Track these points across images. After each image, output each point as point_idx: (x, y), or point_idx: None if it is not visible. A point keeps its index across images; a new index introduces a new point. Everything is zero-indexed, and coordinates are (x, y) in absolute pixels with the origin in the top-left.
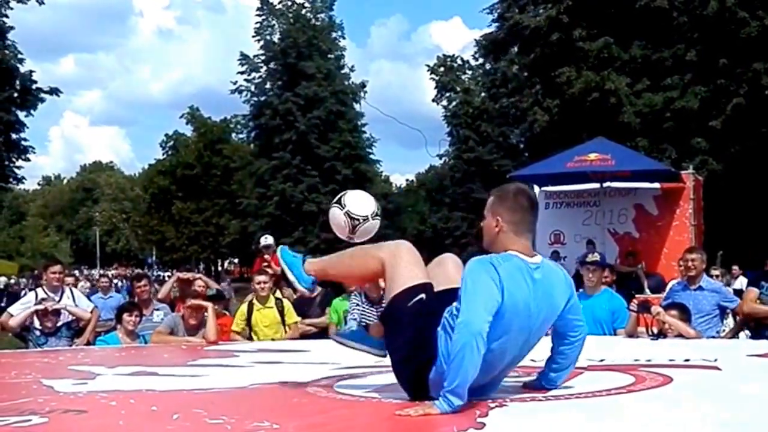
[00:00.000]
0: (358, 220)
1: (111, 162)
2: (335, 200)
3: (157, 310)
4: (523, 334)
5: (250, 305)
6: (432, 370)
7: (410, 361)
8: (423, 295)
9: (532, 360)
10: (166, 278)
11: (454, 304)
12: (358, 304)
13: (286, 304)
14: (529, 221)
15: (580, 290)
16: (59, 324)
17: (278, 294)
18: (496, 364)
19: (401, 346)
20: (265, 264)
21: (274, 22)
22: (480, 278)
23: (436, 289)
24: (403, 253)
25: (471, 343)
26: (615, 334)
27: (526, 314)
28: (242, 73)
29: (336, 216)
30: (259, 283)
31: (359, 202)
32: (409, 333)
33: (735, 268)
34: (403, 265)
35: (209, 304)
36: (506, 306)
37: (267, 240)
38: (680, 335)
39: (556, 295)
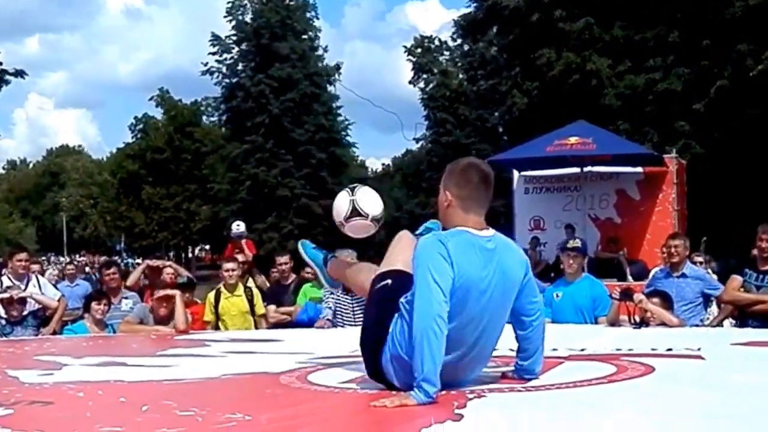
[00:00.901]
0: (357, 212)
1: (79, 146)
2: (350, 186)
3: (126, 298)
4: (481, 310)
5: (218, 293)
6: (383, 352)
7: (368, 342)
8: (389, 281)
9: (510, 350)
10: (136, 265)
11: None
12: (332, 293)
13: (256, 293)
14: (479, 196)
15: (562, 277)
16: (25, 313)
17: (250, 283)
18: (459, 346)
19: (365, 327)
20: (237, 251)
21: (246, 1)
22: (430, 257)
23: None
24: (395, 244)
25: (431, 326)
26: (596, 323)
27: (479, 289)
28: (213, 53)
29: (341, 200)
30: (227, 270)
31: (368, 199)
32: (372, 315)
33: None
34: (386, 257)
35: (176, 292)
36: (457, 283)
37: (239, 228)
38: (663, 323)
39: (511, 267)
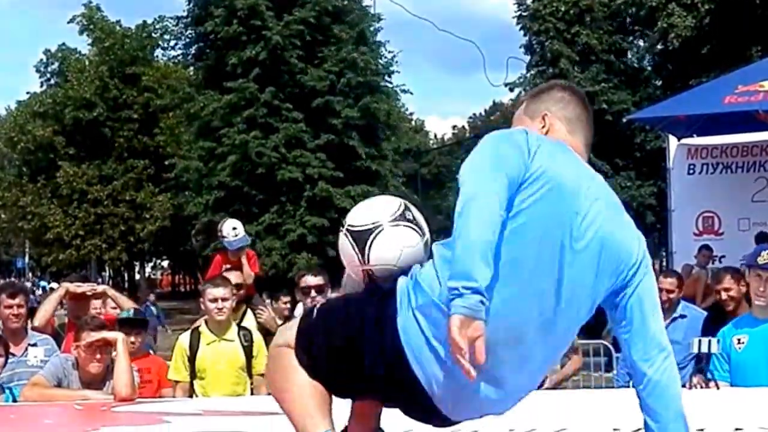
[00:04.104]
0: (362, 233)
1: None
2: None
3: (34, 345)
4: (564, 253)
5: (196, 336)
6: (395, 325)
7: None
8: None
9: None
10: (49, 292)
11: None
12: None
13: (257, 339)
14: (585, 122)
15: (747, 313)
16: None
17: (248, 320)
18: (510, 309)
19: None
20: (227, 267)
21: None
22: (500, 137)
23: None
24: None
25: (484, 198)
26: None
27: (570, 215)
28: None
29: (341, 242)
30: (215, 299)
31: (360, 209)
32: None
33: None
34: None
35: (118, 335)
36: (537, 182)
37: (237, 233)
38: None
39: (620, 228)
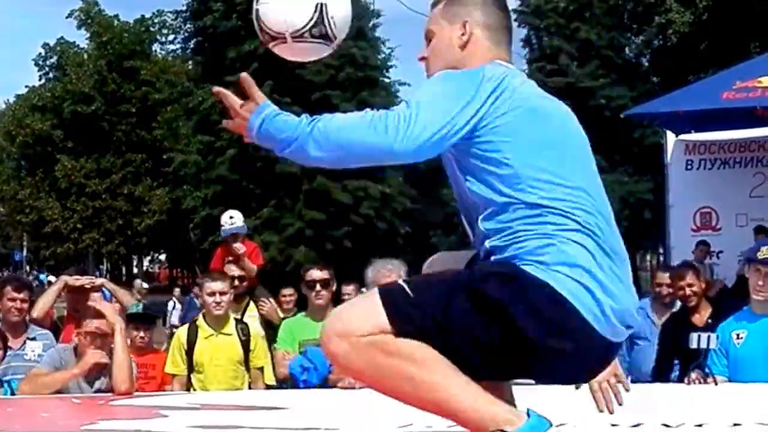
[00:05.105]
0: (322, 31)
1: None
2: None
3: (32, 339)
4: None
5: (194, 330)
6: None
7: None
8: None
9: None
10: (47, 285)
11: None
12: None
13: (255, 332)
14: (508, 30)
15: (746, 307)
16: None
17: (250, 313)
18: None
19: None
20: (229, 259)
21: None
22: (453, 83)
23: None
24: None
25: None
26: None
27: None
28: None
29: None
30: (213, 293)
31: (342, 13)
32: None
33: None
34: None
35: (117, 320)
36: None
37: (233, 222)
38: None
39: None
